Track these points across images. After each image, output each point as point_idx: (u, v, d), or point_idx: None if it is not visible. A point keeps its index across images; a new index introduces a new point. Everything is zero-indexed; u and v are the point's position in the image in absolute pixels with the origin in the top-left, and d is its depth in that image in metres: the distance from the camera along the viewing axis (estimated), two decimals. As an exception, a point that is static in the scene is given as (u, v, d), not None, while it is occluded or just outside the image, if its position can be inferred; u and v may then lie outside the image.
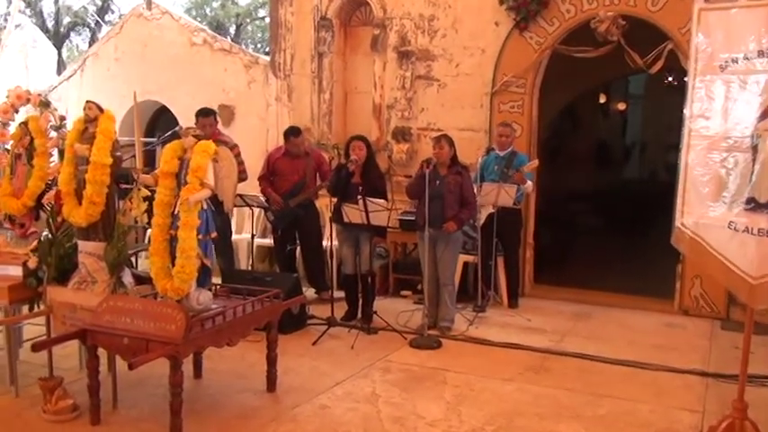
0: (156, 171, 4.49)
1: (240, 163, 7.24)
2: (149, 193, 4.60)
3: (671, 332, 6.71)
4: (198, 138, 4.43)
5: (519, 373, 5.43)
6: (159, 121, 10.16)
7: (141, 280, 4.84)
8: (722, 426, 3.82)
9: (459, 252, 6.91)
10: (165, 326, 4.08)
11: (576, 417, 4.60)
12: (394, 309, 7.09)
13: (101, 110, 4.69)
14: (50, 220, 4.81)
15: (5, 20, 11.13)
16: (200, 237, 4.34)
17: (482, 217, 7.14)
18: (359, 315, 6.71)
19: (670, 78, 15.68)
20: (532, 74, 7.70)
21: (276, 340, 4.90)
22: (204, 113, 7.24)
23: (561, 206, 11.77)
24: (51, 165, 5.24)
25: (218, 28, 18.16)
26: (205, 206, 4.39)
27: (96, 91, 9.91)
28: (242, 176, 7.28)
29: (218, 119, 8.50)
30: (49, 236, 4.82)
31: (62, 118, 5.22)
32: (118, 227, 4.62)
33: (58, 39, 17.20)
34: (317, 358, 5.70)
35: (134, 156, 6.82)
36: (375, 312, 6.64)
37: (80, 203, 4.60)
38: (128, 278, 4.74)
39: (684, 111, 3.88)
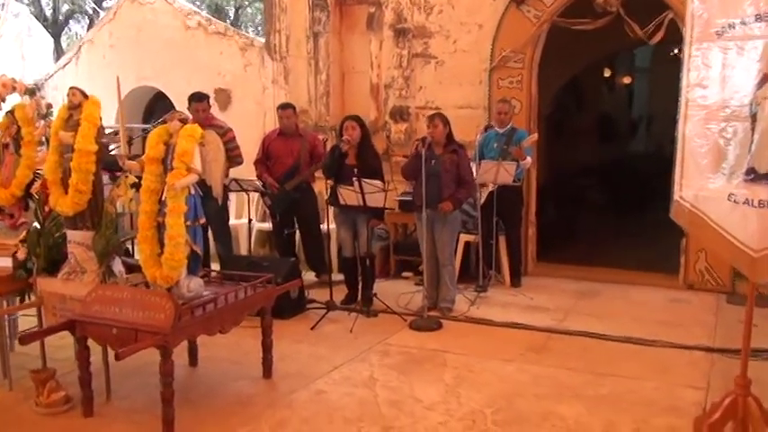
0: (142, 157, 4.40)
1: (235, 147, 7.17)
2: (137, 180, 4.51)
3: (676, 308, 6.61)
4: (184, 122, 4.34)
5: (520, 353, 5.34)
6: (156, 107, 10.06)
7: (132, 268, 4.76)
8: (724, 402, 3.71)
9: (460, 231, 6.82)
10: (154, 315, 4.00)
11: (577, 396, 4.51)
12: (395, 291, 7.01)
13: (85, 96, 4.61)
14: (38, 210, 4.73)
15: (2, 8, 10.96)
16: (188, 223, 4.25)
17: (482, 196, 7.03)
18: (359, 298, 6.63)
19: (676, 51, 15.48)
20: (531, 48, 7.55)
21: (271, 326, 4.82)
22: (197, 98, 7.13)
23: (566, 182, 11.65)
24: (39, 153, 5.15)
25: (218, 11, 17.98)
26: (192, 191, 4.29)
27: (92, 78, 9.79)
28: (237, 161, 7.23)
29: (211, 103, 8.47)
30: (38, 226, 4.74)
31: (49, 106, 5.12)
32: (106, 215, 4.54)
33: (57, 27, 17.08)
34: (315, 343, 5.63)
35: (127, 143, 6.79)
36: (375, 295, 6.55)
37: (66, 192, 4.51)
38: (118, 267, 4.66)
39: (681, 80, 3.74)
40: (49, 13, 17.23)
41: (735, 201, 3.53)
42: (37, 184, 5.05)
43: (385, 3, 8.17)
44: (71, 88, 4.60)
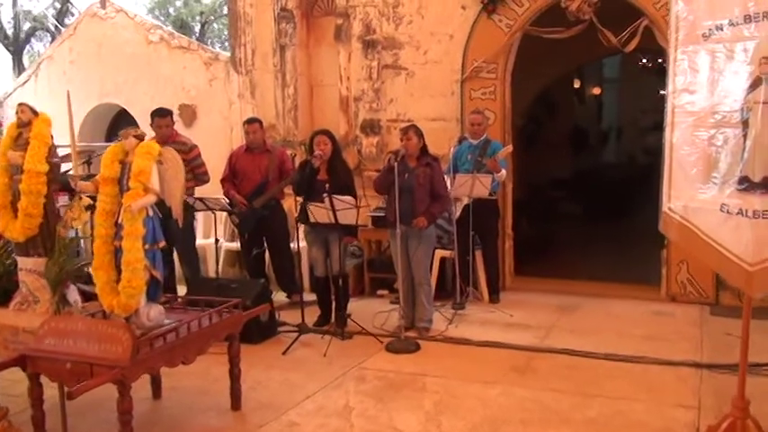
0: (96, 177, 4.12)
1: (200, 165, 6.91)
2: (92, 202, 4.23)
3: (659, 321, 6.43)
4: (140, 138, 4.06)
5: (503, 374, 5.10)
6: (120, 125, 9.71)
7: (90, 296, 4.46)
8: (722, 427, 3.51)
9: (435, 247, 6.58)
10: (111, 347, 3.71)
11: (565, 421, 4.28)
12: (370, 310, 6.75)
13: (35, 113, 4.32)
14: (-17, 237, 4.43)
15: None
16: (146, 247, 3.98)
17: (457, 210, 6.81)
18: (332, 319, 6.36)
19: (644, 60, 15.51)
20: (503, 58, 7.37)
21: (238, 354, 4.53)
22: (160, 114, 6.85)
23: (540, 193, 11.53)
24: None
25: (183, 27, 17.68)
26: (151, 213, 4.02)
27: (52, 95, 9.46)
28: (203, 179, 6.96)
29: (176, 119, 8.18)
30: (-15, 254, 4.43)
31: (-2, 124, 4.82)
32: (59, 240, 4.24)
33: (18, 45, 16.65)
34: (287, 369, 5.34)
35: (85, 162, 6.48)
36: (349, 316, 6.29)
37: (16, 216, 4.22)
38: (73, 295, 4.39)
39: (667, 86, 3.54)
40: (10, 31, 16.80)
41: (727, 211, 3.35)
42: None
43: (353, 14, 7.95)
44: (20, 105, 4.33)
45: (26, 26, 17.12)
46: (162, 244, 4.09)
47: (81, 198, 4.21)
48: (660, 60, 15.31)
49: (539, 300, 7.19)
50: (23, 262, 4.28)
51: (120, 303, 3.95)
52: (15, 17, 16.44)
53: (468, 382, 4.96)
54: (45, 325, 3.94)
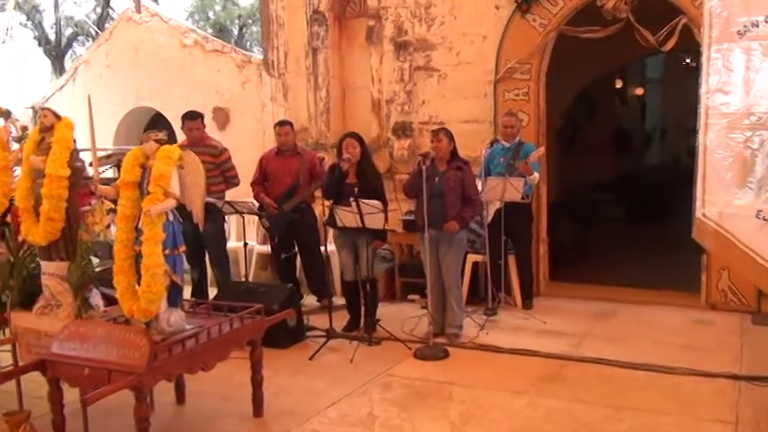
0: (117, 182, 4.09)
1: (230, 168, 6.90)
2: (113, 206, 4.21)
3: (698, 329, 6.21)
4: (161, 142, 4.03)
5: (532, 384, 4.96)
6: (155, 129, 9.76)
7: (113, 301, 4.43)
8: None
9: (468, 251, 6.47)
10: (128, 353, 3.68)
11: (594, 434, 4.14)
12: (400, 315, 6.66)
13: (58, 117, 4.30)
14: (8, 241, 4.42)
15: (6, 32, 10.77)
16: (166, 252, 3.93)
17: (489, 213, 6.68)
18: (361, 324, 6.28)
19: (688, 60, 15.12)
20: (538, 58, 7.21)
21: (260, 361, 4.47)
22: (191, 117, 6.85)
23: (580, 197, 11.28)
24: (16, 179, 4.85)
25: (222, 30, 17.81)
26: (171, 218, 3.98)
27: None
28: (233, 182, 6.95)
29: (209, 122, 8.20)
30: (10, 258, 4.43)
31: (24, 128, 4.84)
32: (80, 244, 4.22)
33: (60, 50, 16.95)
34: (313, 375, 5.28)
35: (116, 165, 6.50)
36: (378, 321, 6.20)
37: (39, 220, 4.21)
38: (96, 299, 4.35)
39: (700, 86, 3.38)
40: (52, 36, 17.11)
41: (764, 218, 3.17)
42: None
43: (385, 15, 7.86)
44: (43, 109, 4.31)
45: (68, 31, 17.42)
46: (182, 249, 4.04)
47: (102, 202, 4.19)
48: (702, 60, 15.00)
49: (574, 306, 7.01)
50: (46, 266, 4.27)
51: (140, 308, 3.91)
52: (57, 22, 16.73)
53: (495, 391, 4.83)
54: (65, 329, 3.94)
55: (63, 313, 4.23)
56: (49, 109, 4.32)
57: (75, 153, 4.24)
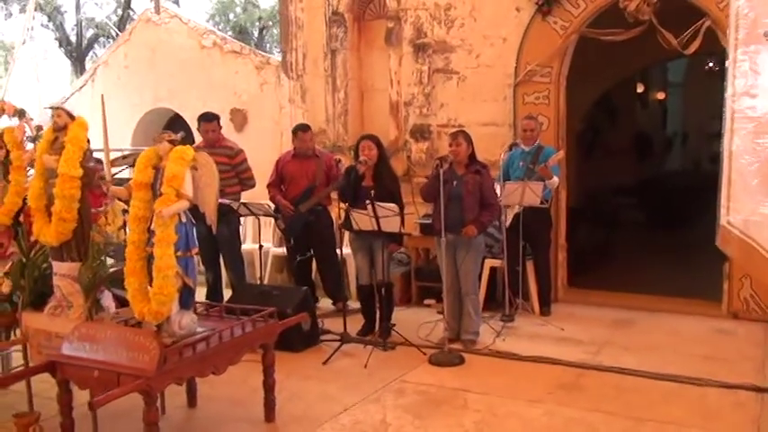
0: (129, 182, 4.05)
1: (246, 169, 6.87)
2: (127, 207, 4.17)
3: (720, 339, 6.07)
4: (174, 143, 3.98)
5: (549, 392, 4.85)
6: (173, 130, 9.74)
7: (124, 302, 4.39)
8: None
9: (486, 256, 6.38)
10: (138, 356, 3.63)
11: (613, 446, 4.04)
12: (416, 320, 6.57)
13: (71, 117, 4.28)
14: (20, 241, 4.40)
15: (27, 32, 10.82)
16: (178, 254, 3.89)
17: (508, 218, 6.58)
18: (376, 329, 6.20)
19: (710, 64, 14.92)
20: (558, 61, 7.10)
21: (272, 365, 4.41)
22: (207, 119, 6.83)
23: (600, 201, 11.14)
24: (29, 179, 4.83)
25: (242, 32, 17.84)
26: (183, 219, 3.93)
27: (107, 100, 9.39)
28: (249, 183, 6.92)
29: (228, 124, 8.18)
30: (22, 258, 4.40)
31: (38, 128, 4.81)
32: (92, 245, 4.19)
33: (81, 51, 17.04)
34: (326, 380, 5.21)
35: (130, 166, 6.48)
36: (393, 325, 6.12)
37: (51, 221, 4.18)
38: (107, 301, 4.32)
39: (726, 89, 3.27)
40: (73, 37, 17.22)
41: (791, 227, 3.06)
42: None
43: (404, 17, 7.79)
44: (56, 108, 4.29)
45: (89, 33, 17.52)
46: (195, 251, 3.99)
47: (116, 203, 4.16)
48: (726, 64, 14.80)
49: (593, 313, 6.89)
50: (58, 266, 4.24)
51: (152, 311, 3.86)
52: (78, 24, 16.82)
53: (511, 399, 4.74)
54: (75, 331, 3.90)
55: (74, 314, 4.20)
56: (62, 108, 4.29)
57: (88, 153, 4.21)
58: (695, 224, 12.04)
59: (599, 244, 9.72)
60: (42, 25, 16.28)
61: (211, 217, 4.02)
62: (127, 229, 4.07)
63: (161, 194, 3.87)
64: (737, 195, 3.24)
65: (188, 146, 4.02)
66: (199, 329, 4.07)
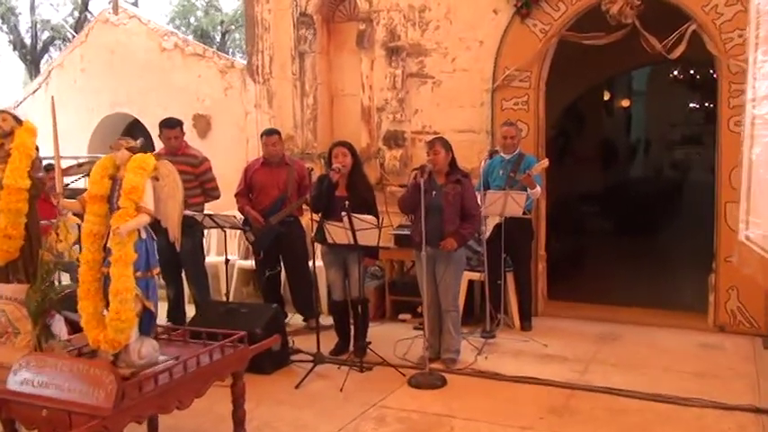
0: (82, 195, 3.65)
1: (211, 179, 6.49)
2: (80, 222, 3.76)
3: (709, 355, 5.83)
4: (133, 150, 3.59)
5: (539, 417, 4.55)
6: (132, 136, 9.28)
7: (79, 328, 3.97)
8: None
9: (464, 270, 6.05)
10: (93, 392, 3.21)
11: (614, 478, 3.74)
12: (391, 336, 6.23)
13: (18, 121, 3.86)
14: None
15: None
16: (138, 274, 3.49)
17: (488, 229, 6.27)
18: (351, 347, 5.85)
19: (675, 72, 14.95)
20: (538, 66, 6.84)
21: (243, 394, 4.02)
22: (169, 125, 6.42)
23: (570, 209, 10.97)
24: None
25: (204, 36, 17.34)
26: (143, 235, 3.54)
27: (62, 105, 9.00)
28: (213, 194, 6.54)
29: (191, 130, 7.79)
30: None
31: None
32: (41, 264, 3.76)
33: (36, 54, 16.39)
34: (299, 406, 4.84)
35: (86, 176, 6.03)
36: (369, 344, 5.77)
37: (-5, 238, 3.75)
38: (59, 326, 3.90)
39: (746, 92, 2.99)
40: (28, 40, 16.56)
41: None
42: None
43: (376, 19, 7.47)
44: (1, 112, 3.86)
45: (44, 35, 16.87)
46: (156, 271, 3.60)
47: (68, 216, 3.74)
48: (692, 72, 14.81)
49: (574, 327, 6.62)
50: (3, 289, 3.81)
51: (108, 338, 3.47)
52: (33, 26, 16.18)
53: (500, 426, 4.42)
54: (22, 362, 3.47)
55: (21, 342, 3.78)
56: (8, 112, 3.88)
57: (37, 162, 3.80)
58: (660, 231, 12.04)
59: (569, 252, 9.49)
60: (-8, 26, 15.68)
61: (174, 233, 3.64)
62: (80, 247, 3.65)
63: (118, 208, 3.48)
64: (758, 208, 2.96)
65: (149, 154, 3.62)
66: (161, 358, 3.68)
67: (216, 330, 4.11)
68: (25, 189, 3.70)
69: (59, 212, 3.92)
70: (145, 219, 3.49)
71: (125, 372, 3.46)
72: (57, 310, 3.88)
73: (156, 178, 3.58)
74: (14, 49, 16.07)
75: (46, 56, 16.72)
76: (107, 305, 3.49)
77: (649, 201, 13.00)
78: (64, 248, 3.74)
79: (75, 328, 3.97)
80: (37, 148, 3.89)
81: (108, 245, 3.49)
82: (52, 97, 3.77)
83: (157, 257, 3.63)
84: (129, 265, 3.44)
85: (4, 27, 16.88)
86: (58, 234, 3.75)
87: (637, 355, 5.81)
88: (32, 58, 16.21)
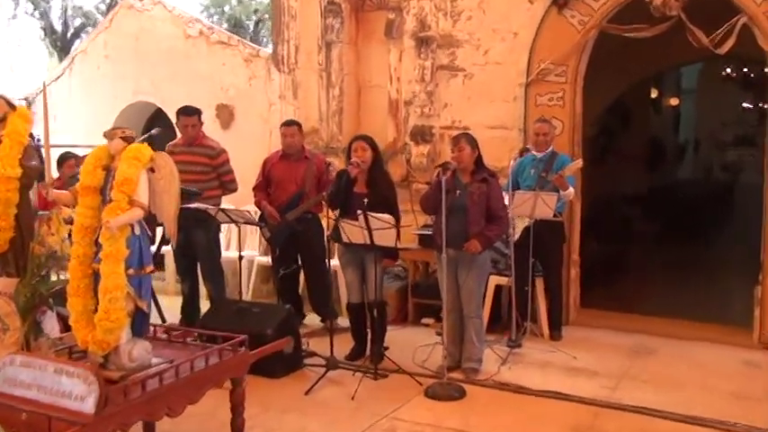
0: (74, 186, 3.41)
1: (228, 172, 6.26)
2: (72, 214, 3.53)
3: (752, 374, 5.43)
4: (128, 140, 3.34)
5: (563, 436, 4.22)
6: (155, 126, 9.11)
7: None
8: None
9: (491, 273, 5.74)
10: (75, 396, 2.98)
11: None
12: (412, 341, 5.94)
13: (12, 106, 3.64)
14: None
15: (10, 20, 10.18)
16: (130, 271, 3.26)
17: (517, 231, 5.93)
18: (367, 352, 5.56)
19: (728, 70, 14.37)
20: (575, 59, 6.47)
21: (242, 402, 3.75)
22: (186, 112, 6.21)
23: (611, 212, 10.54)
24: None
25: (237, 26, 17.21)
26: (137, 231, 3.30)
27: (86, 92, 8.95)
28: (230, 187, 6.30)
29: (213, 120, 7.59)
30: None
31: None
32: (33, 258, 3.54)
33: (66, 41, 16.38)
34: (307, 414, 4.57)
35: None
36: (386, 349, 5.48)
37: (-16, 229, 3.54)
38: (50, 323, 3.67)
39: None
40: (59, 27, 16.55)
41: None
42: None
43: (406, 8, 7.15)
44: (-5, 97, 3.64)
45: (76, 22, 16.86)
46: (150, 269, 3.35)
47: (60, 209, 3.52)
48: (745, 69, 14.22)
49: (607, 339, 6.24)
50: (-8, 282, 3.61)
51: (96, 339, 3.24)
52: (64, 12, 16.16)
53: (520, 445, 4.10)
54: (6, 361, 3.24)
55: (10, 339, 3.54)
56: (2, 96, 3.64)
57: (29, 150, 3.57)
58: (707, 236, 11.49)
59: (609, 258, 9.09)
60: (26, 13, 15.66)
61: (170, 228, 3.39)
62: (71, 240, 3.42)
63: (110, 200, 3.24)
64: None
65: (145, 144, 3.37)
66: (155, 360, 3.44)
67: (216, 333, 3.86)
68: (15, 178, 3.48)
69: (52, 204, 3.72)
70: (138, 213, 3.26)
71: (114, 375, 3.23)
72: (49, 305, 3.65)
73: (151, 170, 3.33)
74: (45, 35, 16.08)
75: (76, 42, 16.73)
76: (97, 304, 3.26)
77: (697, 204, 12.52)
78: (55, 242, 3.51)
79: (68, 325, 3.74)
80: (31, 135, 3.66)
81: (99, 240, 3.25)
82: (44, 83, 3.55)
83: (151, 255, 3.39)
84: (121, 261, 3.22)
85: (35, 13, 16.89)
86: (50, 226, 3.53)
87: (672, 372, 5.43)
88: (62, 44, 16.19)
